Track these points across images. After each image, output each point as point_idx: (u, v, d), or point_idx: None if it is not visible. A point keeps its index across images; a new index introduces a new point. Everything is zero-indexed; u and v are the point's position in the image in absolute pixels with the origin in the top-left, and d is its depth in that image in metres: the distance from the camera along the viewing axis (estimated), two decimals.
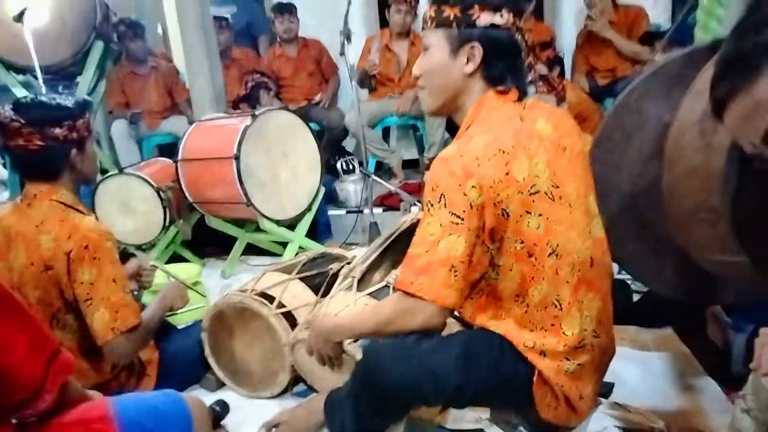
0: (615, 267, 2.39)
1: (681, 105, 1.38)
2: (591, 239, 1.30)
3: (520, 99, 1.30)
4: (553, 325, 1.27)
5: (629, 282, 2.20)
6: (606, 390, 1.66)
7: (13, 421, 0.95)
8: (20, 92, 3.99)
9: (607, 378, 1.51)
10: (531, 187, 1.20)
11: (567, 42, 4.23)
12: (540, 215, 1.21)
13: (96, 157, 1.72)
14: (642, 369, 1.83)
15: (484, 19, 1.23)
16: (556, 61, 3.44)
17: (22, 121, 1.50)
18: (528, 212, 1.20)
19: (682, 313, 1.94)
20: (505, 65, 1.27)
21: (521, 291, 1.26)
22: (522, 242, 1.21)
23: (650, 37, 3.46)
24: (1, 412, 0.92)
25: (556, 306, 1.26)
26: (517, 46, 1.27)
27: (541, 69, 3.27)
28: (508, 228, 1.20)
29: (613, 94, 3.56)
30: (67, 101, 1.58)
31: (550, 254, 1.22)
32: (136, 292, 1.94)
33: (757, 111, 0.78)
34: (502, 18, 1.24)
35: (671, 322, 2.04)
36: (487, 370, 1.26)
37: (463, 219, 1.16)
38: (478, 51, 1.24)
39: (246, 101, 3.38)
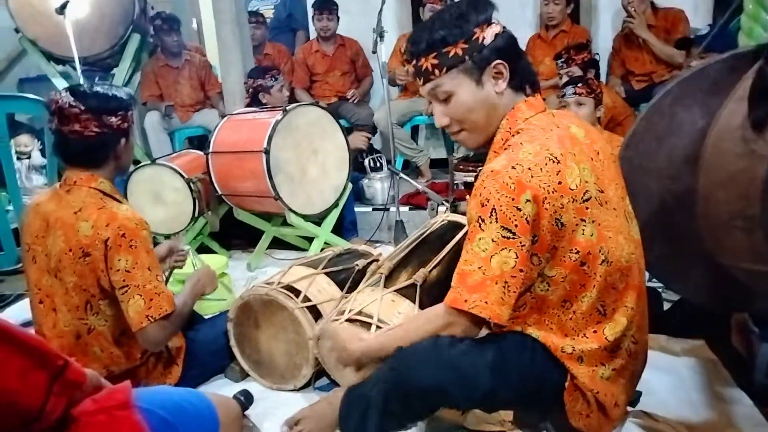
0: (645, 275, 2.37)
1: (722, 109, 1.35)
2: (633, 242, 1.28)
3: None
4: (595, 331, 1.25)
5: (660, 291, 2.16)
6: (634, 398, 1.63)
7: None
8: (59, 82, 4.11)
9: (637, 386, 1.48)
10: (584, 194, 1.18)
11: (603, 45, 4.17)
12: (593, 222, 1.18)
13: (134, 148, 1.76)
14: (671, 378, 1.79)
15: (489, 35, 1.22)
16: (592, 64, 3.38)
17: (82, 108, 1.54)
18: (583, 220, 1.18)
19: (712, 323, 1.90)
20: (522, 64, 1.27)
21: (569, 298, 1.24)
22: (577, 251, 1.18)
23: (687, 43, 3.38)
24: (6, 428, 0.92)
25: (600, 312, 1.24)
26: (517, 47, 1.27)
27: (576, 71, 3.21)
28: (563, 238, 1.17)
29: (648, 99, 3.49)
30: (120, 92, 1.63)
31: (602, 262, 1.20)
32: (166, 273, 1.97)
33: None
34: (498, 25, 1.24)
35: (702, 331, 2.00)
36: (519, 376, 1.25)
37: (515, 234, 1.13)
38: (504, 66, 1.23)
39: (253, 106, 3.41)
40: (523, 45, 4.12)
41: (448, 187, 3.45)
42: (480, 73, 1.22)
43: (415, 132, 4.49)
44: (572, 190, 1.16)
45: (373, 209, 3.61)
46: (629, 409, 1.51)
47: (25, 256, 1.71)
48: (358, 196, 3.68)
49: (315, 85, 4.47)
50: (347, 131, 3.18)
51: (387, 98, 3.37)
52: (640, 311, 1.29)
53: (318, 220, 3.00)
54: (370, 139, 3.43)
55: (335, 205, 3.03)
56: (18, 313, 2.59)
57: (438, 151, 4.62)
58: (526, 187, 1.13)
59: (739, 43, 2.06)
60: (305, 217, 2.90)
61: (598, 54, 3.65)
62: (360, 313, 1.65)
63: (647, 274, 2.37)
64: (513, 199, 1.12)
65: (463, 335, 1.22)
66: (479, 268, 1.15)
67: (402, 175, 3.14)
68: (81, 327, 1.64)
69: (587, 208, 1.17)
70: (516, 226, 1.12)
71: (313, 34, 4.68)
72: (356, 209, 3.47)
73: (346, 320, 1.66)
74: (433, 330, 1.24)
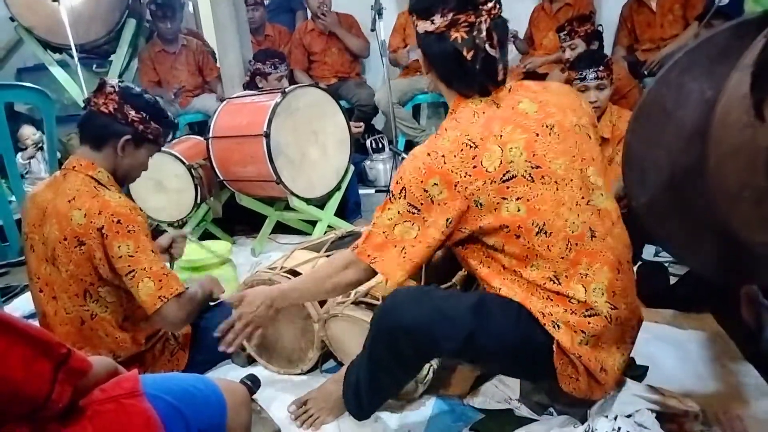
0: (653, 249, 2.36)
1: (729, 80, 1.32)
2: (589, 211, 1.29)
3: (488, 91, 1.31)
4: (558, 293, 1.27)
5: (666, 265, 2.15)
6: (640, 373, 1.63)
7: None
8: (57, 70, 4.09)
9: (642, 361, 1.48)
10: (504, 174, 1.23)
11: (607, 16, 4.08)
12: (518, 199, 1.23)
13: (142, 167, 1.76)
14: (678, 352, 1.79)
15: (420, 26, 1.28)
16: (595, 36, 3.31)
17: (116, 89, 1.64)
18: (504, 198, 1.23)
19: (719, 296, 1.89)
20: (446, 70, 1.31)
21: (519, 267, 1.28)
22: (506, 227, 1.24)
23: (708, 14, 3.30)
24: (13, 418, 0.91)
25: (553, 281, 1.27)
26: (453, 52, 1.25)
27: (579, 44, 3.15)
28: (486, 216, 1.24)
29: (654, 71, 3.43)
30: (162, 107, 1.73)
31: (537, 233, 1.24)
32: (167, 263, 1.96)
33: None
34: (434, 24, 1.25)
35: (709, 305, 1.99)
36: (502, 326, 1.29)
37: (419, 211, 1.26)
38: (420, 55, 1.33)
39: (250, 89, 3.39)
40: (525, 17, 4.11)
41: None
42: (418, 41, 1.33)
43: (416, 111, 4.44)
44: (489, 172, 1.23)
45: (376, 191, 3.59)
46: (636, 383, 1.51)
47: (24, 245, 1.71)
48: (361, 177, 3.66)
49: (314, 66, 4.43)
50: (348, 112, 3.15)
51: (387, 78, 3.33)
52: (609, 278, 1.29)
53: (321, 203, 2.98)
54: (362, 128, 3.42)
55: (337, 187, 3.02)
56: (24, 304, 2.60)
57: None
58: (436, 173, 1.24)
59: (745, 10, 2.01)
60: (307, 201, 2.88)
61: (602, 25, 3.58)
62: (366, 294, 1.64)
63: (653, 249, 2.37)
64: (421, 182, 1.24)
65: (356, 279, 1.38)
66: (383, 232, 1.30)
67: (404, 155, 3.11)
68: (83, 313, 1.64)
69: (508, 188, 1.23)
70: (421, 204, 1.25)
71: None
72: (359, 191, 3.45)
73: (353, 302, 1.66)
74: (335, 268, 1.40)
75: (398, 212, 1.27)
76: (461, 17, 1.23)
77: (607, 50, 3.79)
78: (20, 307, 2.60)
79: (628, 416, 1.40)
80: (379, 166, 3.70)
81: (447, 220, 1.25)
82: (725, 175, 1.31)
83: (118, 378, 1.08)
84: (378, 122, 4.50)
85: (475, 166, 1.22)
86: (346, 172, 3.04)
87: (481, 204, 1.23)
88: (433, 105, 4.56)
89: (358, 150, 3.61)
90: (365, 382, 1.45)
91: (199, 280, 1.85)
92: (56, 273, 1.63)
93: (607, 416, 1.41)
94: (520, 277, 1.29)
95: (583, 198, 1.28)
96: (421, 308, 1.31)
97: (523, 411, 1.55)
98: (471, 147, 1.23)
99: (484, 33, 1.23)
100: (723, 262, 1.58)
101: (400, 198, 1.27)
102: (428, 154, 1.25)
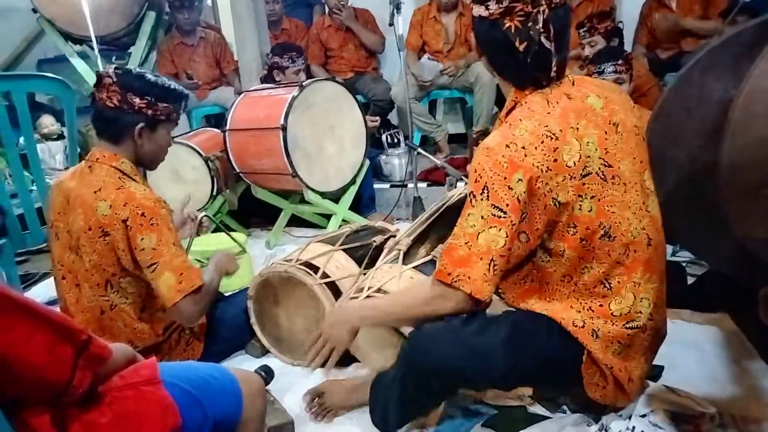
0: (670, 249, 2.33)
1: (754, 69, 1.29)
2: (648, 217, 1.25)
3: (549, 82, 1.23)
4: (601, 305, 1.24)
5: (684, 265, 2.12)
6: (656, 373, 1.61)
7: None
8: (77, 62, 4.13)
9: (659, 361, 1.46)
10: (582, 170, 1.17)
11: (627, 12, 4.03)
12: (592, 197, 1.18)
13: (165, 147, 1.75)
14: (695, 353, 1.77)
15: (475, 10, 1.22)
16: (615, 33, 3.27)
17: (114, 80, 1.60)
18: (580, 196, 1.17)
19: (736, 297, 1.86)
20: (497, 59, 1.25)
21: (570, 272, 1.24)
22: (575, 227, 1.19)
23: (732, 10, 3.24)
24: (35, 402, 0.93)
25: (605, 285, 1.23)
26: (504, 41, 1.17)
27: (599, 41, 3.11)
28: (563, 214, 1.18)
29: (675, 68, 3.39)
30: (165, 83, 1.66)
31: (602, 236, 1.19)
32: (186, 242, 1.97)
33: None
34: (488, 10, 1.18)
35: (726, 305, 1.96)
36: (535, 353, 1.25)
37: (506, 213, 1.14)
38: (478, 42, 1.26)
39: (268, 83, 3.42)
40: None
41: (467, 162, 3.41)
42: (472, 24, 1.26)
43: (432, 107, 4.43)
44: (569, 167, 1.16)
45: (391, 186, 3.59)
46: (651, 383, 1.50)
47: (49, 233, 1.74)
48: (376, 172, 3.66)
49: (331, 61, 4.43)
50: (364, 107, 3.15)
51: (404, 72, 3.32)
52: (655, 288, 1.26)
53: (336, 197, 2.99)
54: (377, 122, 3.42)
55: (352, 181, 3.02)
56: (44, 291, 2.65)
57: (456, 126, 4.56)
58: (519, 167, 1.13)
59: None
60: (323, 194, 2.89)
61: (622, 22, 3.54)
62: (379, 290, 1.64)
63: (671, 249, 2.35)
64: (505, 178, 1.14)
65: (453, 310, 1.22)
66: (466, 243, 1.17)
67: (420, 150, 3.11)
68: (103, 303, 1.67)
69: (584, 184, 1.17)
70: (507, 205, 1.14)
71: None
72: (374, 186, 3.45)
73: (366, 297, 1.66)
74: (424, 298, 1.25)
75: (482, 217, 1.15)
76: (517, 5, 1.15)
77: (627, 48, 3.75)
78: (40, 294, 2.64)
79: (643, 416, 1.39)
80: (394, 161, 3.69)
81: (523, 214, 1.15)
82: (744, 167, 1.28)
83: (137, 365, 1.10)
84: (394, 117, 4.49)
85: (555, 160, 1.14)
86: (362, 166, 3.04)
87: (559, 202, 1.16)
88: (450, 101, 4.54)
89: (374, 144, 3.61)
90: (394, 405, 1.39)
91: (213, 258, 1.86)
92: (79, 262, 1.65)
93: (621, 415, 1.40)
94: (560, 290, 1.25)
95: (644, 203, 1.24)
96: (452, 348, 1.22)
97: (536, 408, 1.55)
98: (552, 139, 1.15)
99: (541, 24, 1.14)
100: (741, 261, 1.56)
101: (482, 199, 1.15)
102: (507, 146, 1.15)
